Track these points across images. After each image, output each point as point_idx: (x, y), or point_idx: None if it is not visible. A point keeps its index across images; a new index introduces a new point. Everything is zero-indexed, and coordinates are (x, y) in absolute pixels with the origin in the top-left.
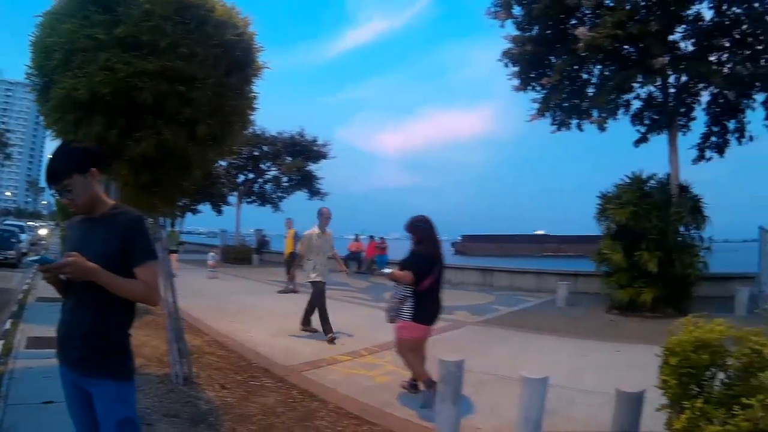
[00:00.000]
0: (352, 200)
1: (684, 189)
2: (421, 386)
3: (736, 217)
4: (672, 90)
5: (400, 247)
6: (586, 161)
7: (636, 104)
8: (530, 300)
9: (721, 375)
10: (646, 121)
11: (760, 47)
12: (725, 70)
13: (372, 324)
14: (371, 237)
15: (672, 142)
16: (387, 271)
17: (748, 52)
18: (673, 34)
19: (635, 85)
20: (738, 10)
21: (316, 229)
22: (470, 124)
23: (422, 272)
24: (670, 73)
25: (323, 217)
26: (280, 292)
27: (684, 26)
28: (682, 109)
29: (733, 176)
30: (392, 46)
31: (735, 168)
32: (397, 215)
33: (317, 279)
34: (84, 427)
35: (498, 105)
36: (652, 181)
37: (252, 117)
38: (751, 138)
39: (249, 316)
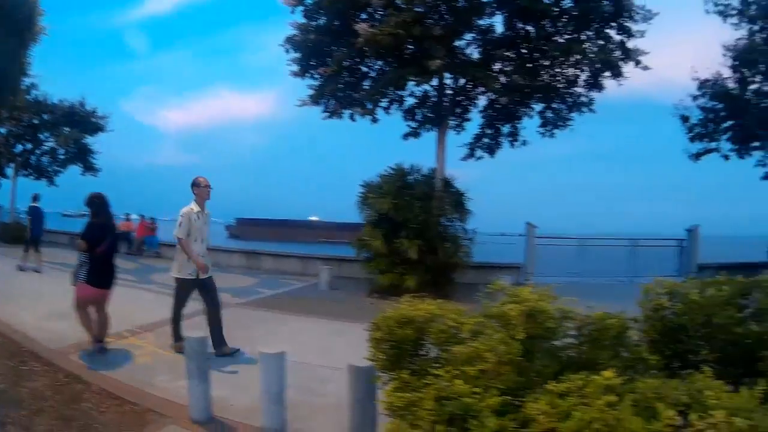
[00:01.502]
0: (129, 177)
1: (448, 183)
2: (90, 342)
3: (519, 213)
4: (449, 91)
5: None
6: (366, 151)
7: (410, 101)
8: (295, 283)
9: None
10: (419, 118)
11: (546, 62)
12: (504, 78)
13: (136, 306)
14: (142, 216)
15: (440, 139)
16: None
17: (530, 66)
18: (460, 40)
19: (411, 82)
20: (529, 28)
21: (194, 206)
22: (253, 106)
23: (95, 240)
24: (448, 75)
25: (201, 189)
26: (19, 268)
27: (473, 35)
28: (458, 110)
29: (519, 176)
30: (188, 20)
31: (517, 169)
32: (175, 195)
33: (194, 275)
34: None
35: (281, 90)
36: (416, 174)
37: (24, 82)
38: (524, 143)
39: (19, 299)
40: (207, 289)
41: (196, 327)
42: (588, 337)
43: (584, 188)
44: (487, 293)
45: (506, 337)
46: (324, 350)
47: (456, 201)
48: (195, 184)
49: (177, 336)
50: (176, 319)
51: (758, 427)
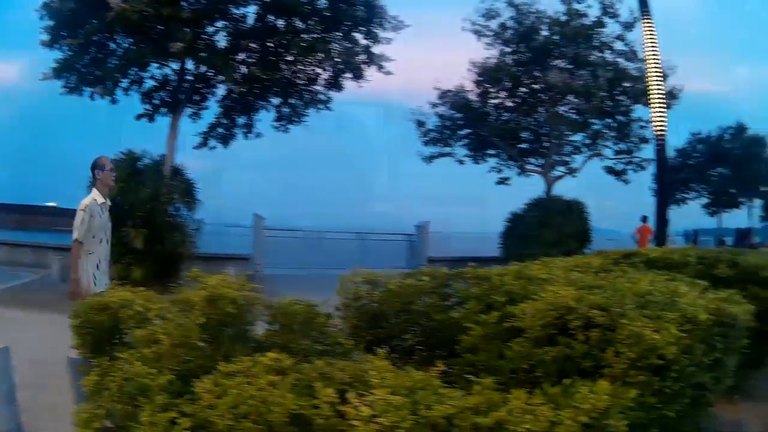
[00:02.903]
0: None
1: (178, 172)
2: None
3: (262, 206)
4: (190, 77)
5: None
6: (111, 133)
7: (150, 83)
8: (29, 275)
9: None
10: (156, 101)
11: (289, 58)
12: (244, 69)
13: None
14: None
15: (174, 126)
16: None
17: (272, 59)
18: (210, 26)
19: (154, 64)
20: (280, 23)
21: (97, 196)
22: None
23: None
24: (192, 60)
25: (105, 173)
26: None
27: (225, 23)
28: (196, 97)
29: (265, 169)
30: None
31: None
32: None
33: (101, 288)
34: None
35: (36, 58)
36: (147, 160)
37: None
38: (258, 135)
39: None
40: None
41: None
42: (280, 323)
43: (332, 184)
44: (186, 281)
45: (188, 321)
46: (57, 346)
47: (185, 189)
48: (97, 167)
49: None
50: None
51: (419, 404)
